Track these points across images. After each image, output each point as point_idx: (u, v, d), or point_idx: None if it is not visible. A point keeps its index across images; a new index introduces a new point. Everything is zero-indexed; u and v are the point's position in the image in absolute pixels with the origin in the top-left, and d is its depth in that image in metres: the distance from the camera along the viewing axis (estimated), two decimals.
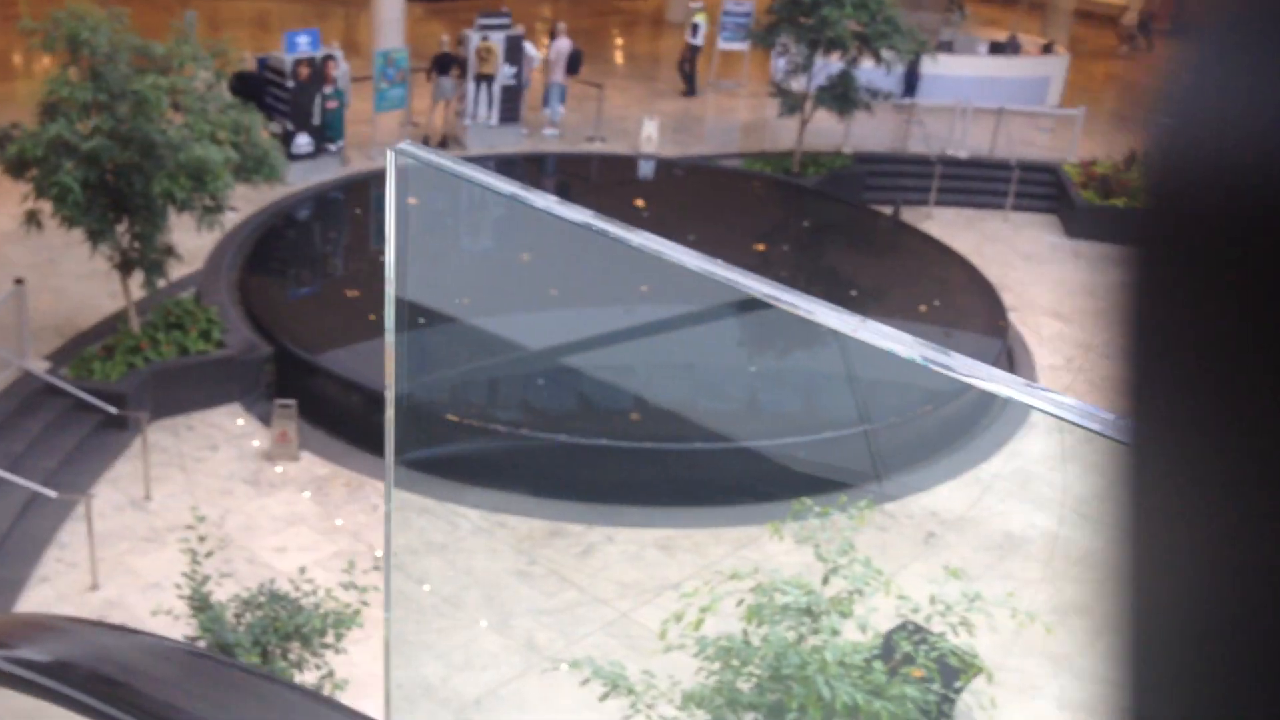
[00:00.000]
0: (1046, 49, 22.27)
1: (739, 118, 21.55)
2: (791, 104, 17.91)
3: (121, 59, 11.45)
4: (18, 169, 11.20)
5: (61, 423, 11.03)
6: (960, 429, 12.46)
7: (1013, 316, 14.55)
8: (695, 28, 21.64)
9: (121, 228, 11.55)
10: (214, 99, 11.95)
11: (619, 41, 26.26)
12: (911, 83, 20.18)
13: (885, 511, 11.18)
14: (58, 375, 11.42)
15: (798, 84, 18.02)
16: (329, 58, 17.13)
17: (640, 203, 17.66)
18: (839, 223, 17.54)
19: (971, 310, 14.42)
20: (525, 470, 11.49)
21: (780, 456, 11.61)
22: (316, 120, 16.97)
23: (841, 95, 17.58)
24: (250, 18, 25.68)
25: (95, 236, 11.32)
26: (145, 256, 11.70)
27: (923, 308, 14.41)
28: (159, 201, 11.26)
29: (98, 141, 10.89)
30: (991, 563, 10.55)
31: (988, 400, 12.78)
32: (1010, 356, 13.60)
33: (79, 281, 13.28)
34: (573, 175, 18.82)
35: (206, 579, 7.44)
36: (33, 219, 11.23)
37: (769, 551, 10.37)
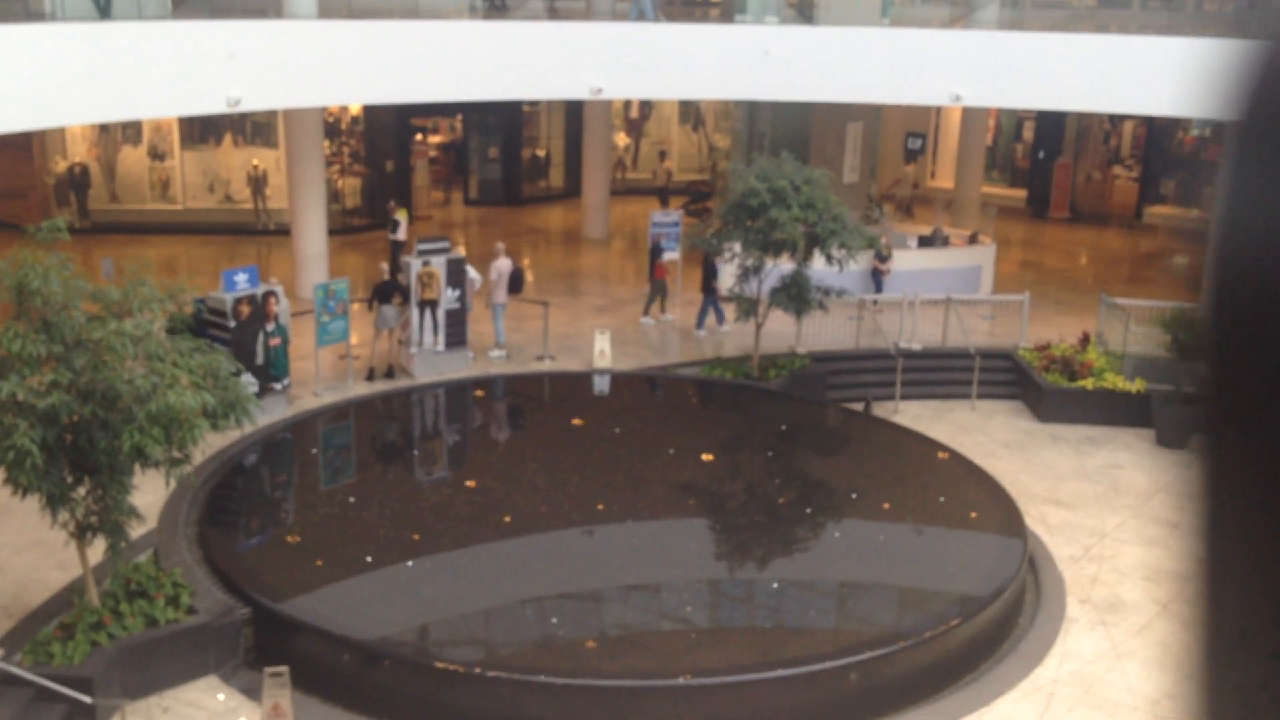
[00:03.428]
0: (973, 239, 22.72)
1: (680, 326, 21.28)
2: (746, 308, 17.69)
3: (75, 307, 10.56)
4: None
5: (22, 719, 9.57)
6: (1000, 635, 11.74)
7: None
8: (396, 225, 23.01)
9: (82, 490, 10.42)
10: (178, 342, 11.07)
11: (540, 260, 26.09)
12: (878, 280, 20.42)
13: None
14: (11, 663, 10.01)
15: (749, 288, 17.87)
16: (270, 294, 16.41)
17: (578, 421, 17.00)
18: (814, 424, 17.11)
19: (977, 504, 13.90)
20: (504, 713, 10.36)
21: (815, 683, 10.68)
22: (260, 359, 16.10)
23: (796, 296, 17.43)
24: (158, 263, 24.81)
25: (54, 502, 10.15)
26: (107, 520, 10.53)
27: (928, 507, 13.87)
28: (125, 458, 10.20)
29: (56, 397, 9.87)
30: None
31: (1019, 601, 12.12)
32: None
33: (20, 554, 11.95)
34: (525, 397, 18.14)
35: None
36: None
37: None
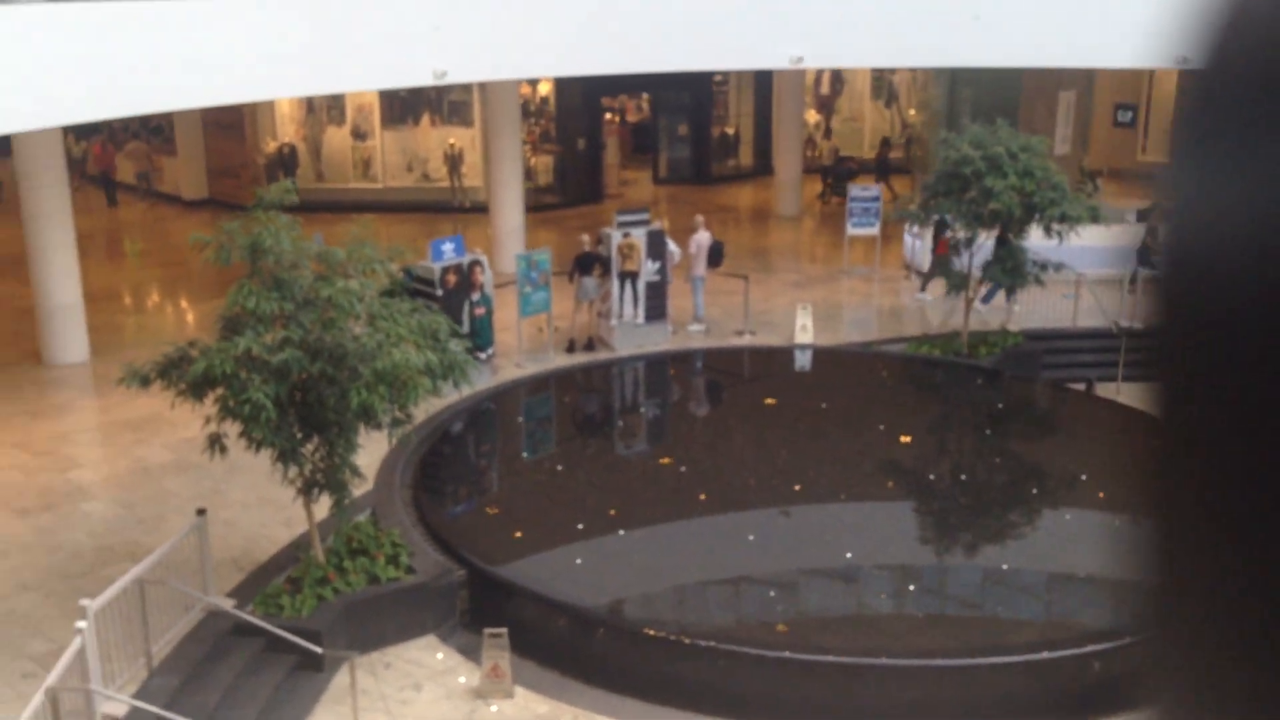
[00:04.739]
0: None
1: (879, 302, 20.68)
2: (957, 283, 16.98)
3: (304, 266, 10.73)
4: (200, 389, 10.29)
5: (254, 667, 9.78)
6: None
7: None
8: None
9: (310, 446, 10.57)
10: (397, 304, 11.14)
11: (732, 236, 25.74)
12: (1144, 257, 19.38)
13: None
14: (244, 613, 10.24)
15: (959, 262, 17.15)
16: (475, 263, 16.54)
17: (765, 401, 16.55)
18: (1035, 404, 16.32)
19: None
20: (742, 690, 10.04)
21: (1047, 672, 10.07)
22: (466, 328, 16.22)
23: (1012, 270, 16.62)
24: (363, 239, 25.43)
25: (285, 457, 10.31)
26: (333, 477, 10.66)
27: None
28: (352, 416, 10.31)
29: (289, 353, 10.01)
30: None
31: None
32: None
33: (248, 510, 12.26)
34: (727, 372, 17.84)
35: None
36: (216, 443, 10.25)
37: None
